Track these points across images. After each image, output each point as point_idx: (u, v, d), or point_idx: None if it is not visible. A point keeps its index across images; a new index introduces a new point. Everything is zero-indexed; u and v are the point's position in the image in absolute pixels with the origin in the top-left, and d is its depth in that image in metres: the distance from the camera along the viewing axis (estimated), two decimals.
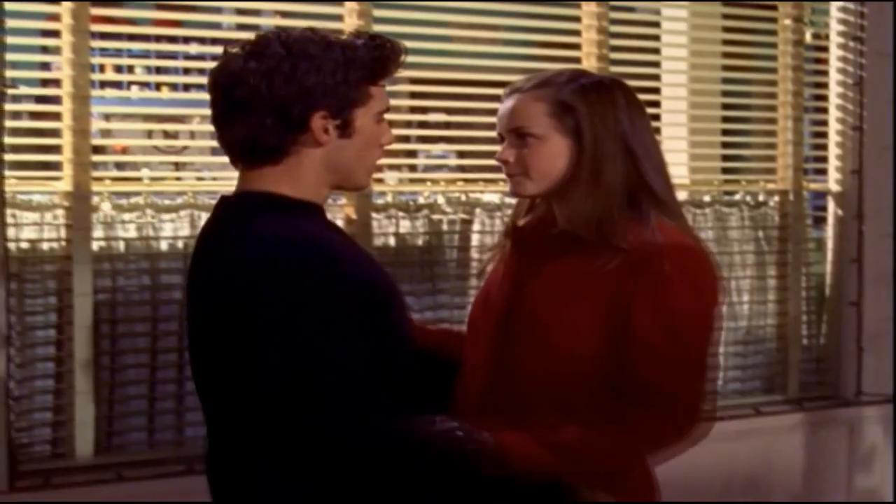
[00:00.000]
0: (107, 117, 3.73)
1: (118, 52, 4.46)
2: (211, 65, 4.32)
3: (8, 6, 3.37)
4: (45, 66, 4.18)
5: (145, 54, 4.76)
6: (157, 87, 5.75)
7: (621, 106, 2.29)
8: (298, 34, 2.02)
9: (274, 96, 1.96)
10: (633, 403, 2.18)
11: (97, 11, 3.52)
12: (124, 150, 4.64)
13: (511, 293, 2.32)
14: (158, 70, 4.27)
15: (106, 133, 3.71)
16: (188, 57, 4.21)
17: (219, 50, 3.90)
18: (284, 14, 4.09)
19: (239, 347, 1.91)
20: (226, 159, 4.47)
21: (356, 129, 2.03)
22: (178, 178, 4.02)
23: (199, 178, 4.44)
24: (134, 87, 5.51)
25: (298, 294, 1.87)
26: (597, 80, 2.33)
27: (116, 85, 4.45)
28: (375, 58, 2.03)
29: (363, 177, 2.11)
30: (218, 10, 4.02)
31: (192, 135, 5.80)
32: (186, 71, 4.34)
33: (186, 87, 5.16)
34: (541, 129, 2.26)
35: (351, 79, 2.00)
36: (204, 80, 5.52)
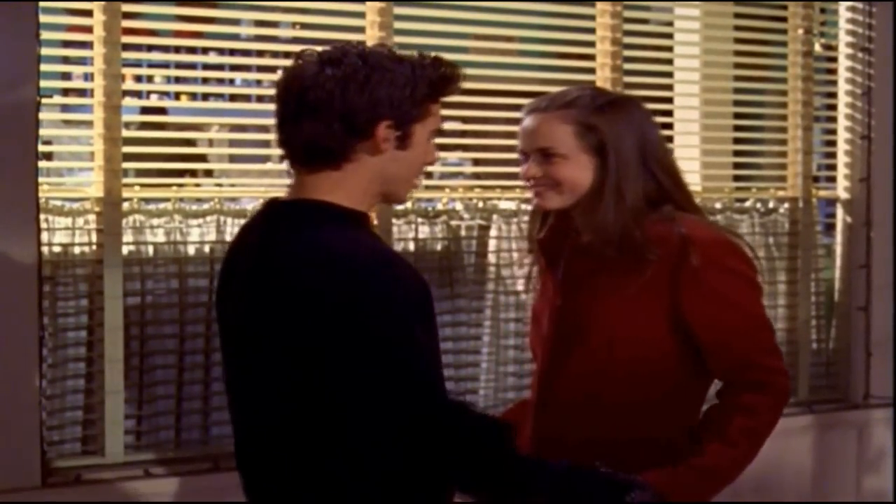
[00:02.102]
0: (127, 125, 3.83)
1: (138, 63, 4.56)
2: (230, 74, 4.42)
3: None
4: (66, 76, 4.29)
5: (165, 64, 4.86)
6: (177, 96, 5.86)
7: (638, 123, 2.45)
8: (373, 48, 2.12)
9: (345, 103, 2.04)
10: (741, 389, 2.38)
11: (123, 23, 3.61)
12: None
13: (559, 307, 2.47)
14: (178, 80, 4.35)
15: (137, 141, 3.80)
16: (207, 67, 4.30)
17: (238, 60, 4.05)
18: (304, 26, 4.19)
19: (308, 353, 1.99)
20: (244, 166, 4.55)
21: (412, 143, 2.11)
22: (198, 185, 4.10)
23: (218, 185, 4.53)
24: (153, 97, 5.62)
25: (370, 300, 1.96)
26: (615, 99, 2.50)
27: (136, 94, 4.54)
28: (440, 77, 2.12)
29: (406, 190, 2.19)
30: (237, 22, 4.13)
31: (211, 142, 5.91)
32: (205, 80, 4.44)
33: (205, 97, 5.26)
34: (566, 148, 2.41)
35: (417, 94, 2.09)
36: (223, 89, 5.58)
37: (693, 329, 2.37)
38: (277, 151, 4.52)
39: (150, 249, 3.69)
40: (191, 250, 3.75)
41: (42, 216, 3.45)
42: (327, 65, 2.07)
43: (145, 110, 4.64)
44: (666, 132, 4.50)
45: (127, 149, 3.59)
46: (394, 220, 3.95)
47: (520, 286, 4.14)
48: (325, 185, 2.09)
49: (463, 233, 4.13)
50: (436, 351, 2.07)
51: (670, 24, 4.71)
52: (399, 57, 2.11)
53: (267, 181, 4.32)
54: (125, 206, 3.61)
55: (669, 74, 4.66)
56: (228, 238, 3.76)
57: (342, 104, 2.05)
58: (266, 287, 2.05)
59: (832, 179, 4.83)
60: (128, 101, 3.77)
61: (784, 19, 4.67)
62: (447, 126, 4.36)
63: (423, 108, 2.12)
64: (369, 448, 2.01)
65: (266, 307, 2.04)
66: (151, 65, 4.85)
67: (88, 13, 3.54)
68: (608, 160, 2.39)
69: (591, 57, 4.27)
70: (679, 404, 2.43)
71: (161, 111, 4.91)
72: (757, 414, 2.37)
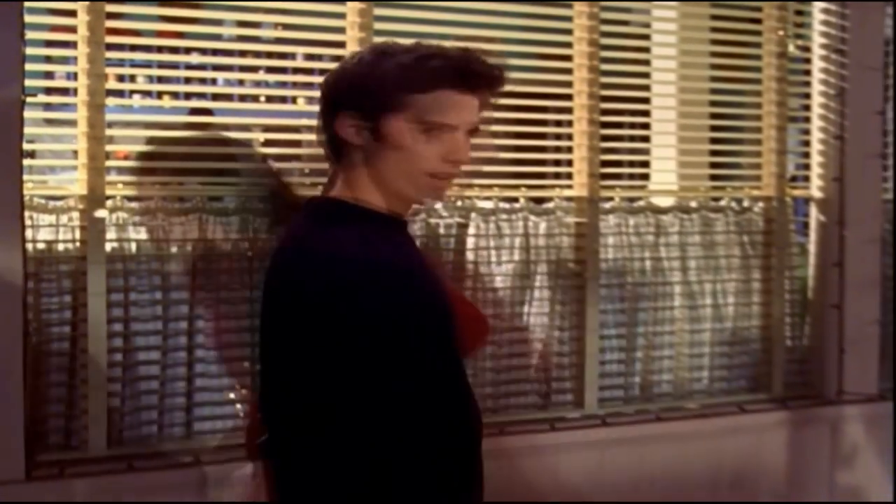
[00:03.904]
0: (109, 125, 3.85)
1: (121, 62, 4.57)
2: (212, 74, 4.46)
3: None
4: (50, 76, 4.30)
5: (147, 64, 4.87)
6: (159, 95, 5.87)
7: None
8: (377, 45, 2.16)
9: (329, 99, 2.15)
10: None
11: (106, 23, 3.65)
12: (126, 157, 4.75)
13: None
14: (160, 79, 4.37)
15: (116, 139, 3.83)
16: (189, 67, 4.33)
17: (220, 60, 4.08)
18: (285, 26, 4.22)
19: (313, 347, 2.02)
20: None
21: (387, 135, 2.06)
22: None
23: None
24: (136, 96, 5.62)
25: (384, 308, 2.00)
26: None
27: (119, 94, 4.56)
28: (433, 67, 2.05)
29: (408, 188, 2.11)
30: (219, 23, 4.16)
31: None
32: (188, 80, 4.46)
33: (188, 97, 5.26)
34: None
35: (387, 84, 2.05)
36: (206, 88, 5.61)
37: None
38: (261, 151, 4.54)
39: (133, 246, 3.73)
40: (173, 248, 3.79)
41: (26, 213, 3.50)
42: (339, 65, 2.16)
43: (193, 111, 4.64)
44: (642, 132, 4.58)
45: (118, 148, 3.64)
46: None
47: (499, 282, 4.19)
48: (338, 181, 2.16)
49: (441, 231, 4.17)
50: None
51: (647, 25, 4.77)
52: (387, 51, 2.10)
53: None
54: (108, 203, 3.64)
55: (646, 75, 4.71)
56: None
57: (327, 101, 2.14)
58: (273, 285, 2.10)
59: (806, 179, 4.90)
60: (111, 101, 3.80)
61: (759, 21, 4.73)
62: None
63: (394, 98, 2.05)
64: (381, 443, 2.02)
65: (275, 305, 2.09)
66: (134, 64, 4.87)
67: (72, 13, 3.59)
68: None
69: (568, 58, 4.33)
70: None
71: (207, 112, 4.88)
72: None
